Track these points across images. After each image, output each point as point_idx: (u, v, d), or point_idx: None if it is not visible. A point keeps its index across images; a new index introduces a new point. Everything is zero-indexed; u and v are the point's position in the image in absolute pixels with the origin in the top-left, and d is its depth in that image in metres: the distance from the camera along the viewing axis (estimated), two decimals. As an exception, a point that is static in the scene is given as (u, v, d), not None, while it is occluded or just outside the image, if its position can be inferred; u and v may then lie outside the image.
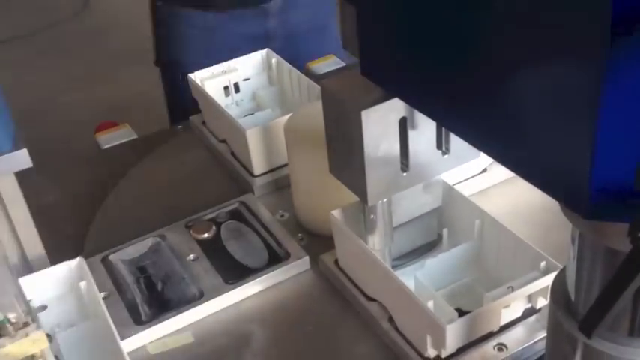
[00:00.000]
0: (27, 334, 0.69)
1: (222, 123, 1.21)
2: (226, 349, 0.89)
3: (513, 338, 0.83)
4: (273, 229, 1.04)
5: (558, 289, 0.62)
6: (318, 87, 1.15)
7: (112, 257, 1.01)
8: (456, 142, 0.81)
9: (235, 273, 0.97)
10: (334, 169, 0.84)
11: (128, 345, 0.88)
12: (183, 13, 1.52)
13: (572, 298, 0.60)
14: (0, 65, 3.25)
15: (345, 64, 1.48)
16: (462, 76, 0.57)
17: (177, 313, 0.92)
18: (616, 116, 0.44)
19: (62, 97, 3.21)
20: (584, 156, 0.46)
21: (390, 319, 0.87)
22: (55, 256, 0.93)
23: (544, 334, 0.81)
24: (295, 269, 0.98)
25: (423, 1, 0.59)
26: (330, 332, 0.90)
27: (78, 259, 0.90)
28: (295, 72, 1.25)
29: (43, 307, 0.88)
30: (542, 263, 0.83)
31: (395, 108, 0.75)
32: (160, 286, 0.97)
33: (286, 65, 1.27)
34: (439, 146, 0.81)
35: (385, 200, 0.84)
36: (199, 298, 0.94)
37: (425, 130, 0.79)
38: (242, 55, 1.30)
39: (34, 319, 0.70)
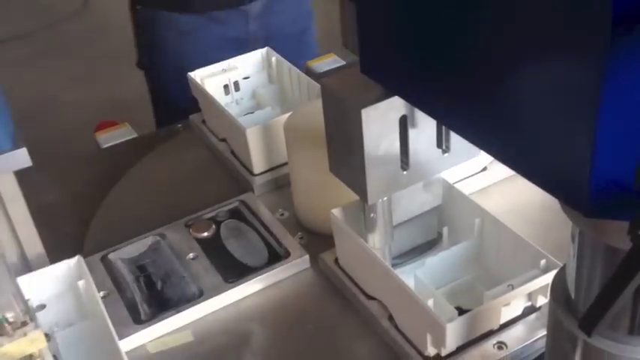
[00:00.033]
0: (25, 334, 0.68)
1: (222, 122, 1.21)
2: (226, 348, 0.89)
3: (513, 337, 0.83)
4: (273, 227, 1.04)
5: (558, 288, 0.62)
6: (318, 85, 1.15)
7: (111, 256, 1.01)
8: (456, 140, 0.81)
9: (235, 272, 0.97)
10: (334, 167, 0.84)
11: (127, 344, 0.88)
12: (163, 17, 1.51)
13: (573, 297, 0.60)
14: (0, 64, 3.25)
15: (344, 63, 1.49)
16: (462, 74, 0.57)
17: (177, 312, 0.92)
18: (616, 114, 0.44)
19: (62, 97, 3.21)
20: (584, 154, 0.46)
21: (390, 318, 0.87)
22: (55, 255, 0.92)
23: (544, 332, 0.81)
24: (295, 268, 0.98)
25: (422, -2, 0.59)
26: (330, 331, 0.90)
27: (76, 257, 0.90)
28: (295, 70, 1.25)
29: (42, 307, 0.88)
30: (543, 261, 0.82)
31: (395, 106, 0.75)
32: (159, 285, 0.97)
33: (286, 64, 1.27)
34: (439, 144, 0.81)
35: (385, 199, 0.84)
36: (199, 297, 0.94)
37: (425, 128, 0.79)
38: (223, 58, 1.30)
39: (32, 319, 0.70)
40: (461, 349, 0.81)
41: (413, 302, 0.80)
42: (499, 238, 0.88)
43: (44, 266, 0.90)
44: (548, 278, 0.76)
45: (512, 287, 0.82)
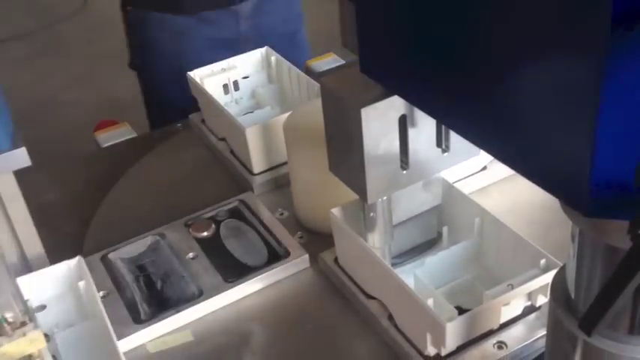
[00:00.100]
0: (24, 334, 0.68)
1: (221, 121, 1.21)
2: (226, 348, 0.89)
3: (513, 336, 0.83)
4: (273, 227, 1.04)
5: (558, 287, 0.62)
6: (317, 85, 1.15)
7: (111, 256, 1.01)
8: (455, 139, 0.81)
9: (235, 271, 0.97)
10: (334, 166, 0.84)
11: (127, 344, 0.88)
12: (153, 18, 1.51)
13: (573, 296, 0.60)
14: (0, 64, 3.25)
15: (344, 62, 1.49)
16: (461, 73, 0.57)
17: (177, 312, 0.91)
18: (616, 113, 0.44)
19: (62, 96, 3.21)
20: (584, 153, 0.46)
21: (390, 318, 0.87)
22: (55, 255, 0.92)
23: (544, 332, 0.80)
24: (295, 267, 0.98)
25: (422, -2, 0.59)
26: (330, 330, 0.90)
27: (77, 258, 0.89)
28: (295, 70, 1.25)
29: (42, 307, 0.88)
30: (542, 261, 0.82)
31: (394, 105, 0.75)
32: (159, 284, 0.96)
33: (286, 63, 1.27)
34: (439, 144, 0.81)
35: (385, 198, 0.84)
36: (199, 296, 0.94)
37: (424, 127, 0.79)
38: (215, 59, 1.30)
39: (32, 319, 0.70)
40: (461, 348, 0.81)
41: (413, 302, 0.80)
42: (499, 237, 0.88)
43: (44, 266, 0.90)
44: (548, 278, 0.76)
45: (512, 287, 0.82)
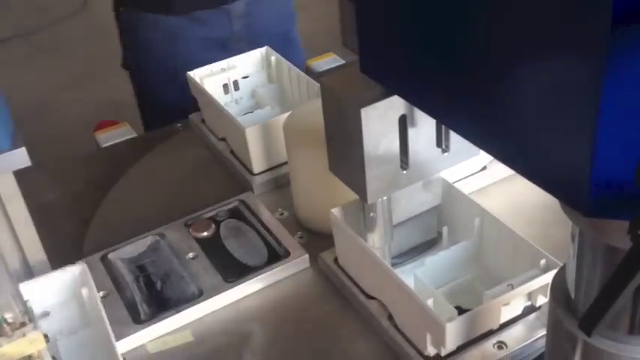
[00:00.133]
0: (24, 335, 0.68)
1: (221, 121, 1.21)
2: (226, 348, 0.89)
3: (513, 336, 0.83)
4: (273, 227, 1.04)
5: (558, 287, 0.62)
6: (317, 85, 1.15)
7: (111, 256, 1.01)
8: (455, 139, 0.81)
9: (235, 271, 0.97)
10: (334, 167, 0.84)
11: (127, 344, 0.88)
12: (145, 19, 1.51)
13: (572, 296, 0.60)
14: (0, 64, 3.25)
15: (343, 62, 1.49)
16: (461, 73, 0.57)
17: (177, 312, 0.91)
18: (616, 113, 0.44)
19: (61, 96, 3.21)
20: (584, 153, 0.46)
21: (390, 318, 0.87)
22: (54, 255, 0.92)
23: (544, 332, 0.80)
24: (295, 267, 0.98)
25: (422, -2, 0.58)
26: (330, 331, 0.90)
27: (80, 264, 0.89)
28: (295, 70, 1.25)
29: (46, 314, 0.87)
30: (542, 261, 0.82)
31: (394, 105, 0.75)
32: (159, 284, 0.96)
33: (286, 63, 1.27)
34: (439, 144, 0.81)
35: (385, 198, 0.84)
36: (199, 296, 0.94)
37: (424, 127, 0.79)
38: (208, 59, 1.29)
39: (31, 320, 0.70)
40: (461, 348, 0.81)
41: (413, 302, 0.80)
42: (499, 237, 0.88)
43: (44, 267, 0.90)
44: (548, 278, 0.76)
45: (512, 287, 0.82)
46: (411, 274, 0.88)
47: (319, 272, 0.98)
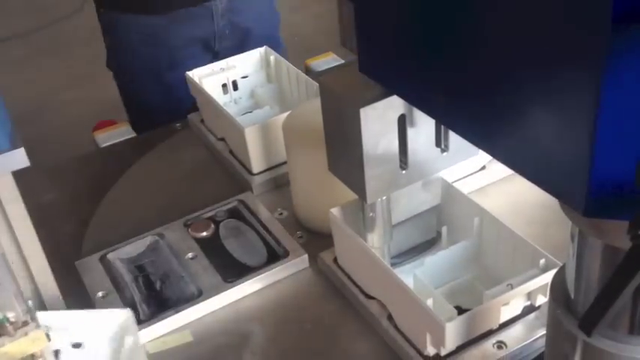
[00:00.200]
0: (26, 334, 0.68)
1: (220, 121, 1.20)
2: (225, 348, 0.89)
3: (513, 336, 0.83)
4: (272, 227, 1.03)
5: (558, 287, 0.62)
6: (316, 84, 1.15)
7: (110, 256, 1.01)
8: (454, 139, 0.81)
9: (234, 271, 0.97)
10: (333, 166, 0.84)
11: (127, 344, 0.88)
12: (126, 20, 1.50)
13: (572, 296, 0.60)
14: (-1, 64, 3.25)
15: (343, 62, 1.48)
16: (461, 74, 0.57)
17: (176, 312, 0.91)
18: (616, 113, 0.44)
19: (61, 96, 3.21)
20: (583, 153, 0.46)
21: (390, 318, 0.86)
22: (54, 255, 0.92)
23: (544, 331, 0.80)
24: (294, 267, 0.98)
25: (421, -3, 0.58)
26: (329, 331, 0.90)
27: (127, 311, 0.86)
28: (294, 69, 1.25)
29: (78, 345, 0.85)
30: (542, 261, 0.82)
31: (393, 105, 0.75)
32: (158, 284, 0.96)
33: (285, 63, 1.27)
34: (438, 144, 0.81)
35: (384, 198, 0.84)
36: (198, 296, 0.93)
37: (424, 127, 0.79)
38: (191, 58, 1.29)
39: (33, 318, 0.70)
40: (460, 348, 0.81)
41: (412, 302, 0.80)
42: (498, 237, 0.88)
43: (42, 262, 0.89)
44: (548, 277, 0.76)
45: (512, 287, 0.82)
46: (410, 274, 0.88)
47: (319, 272, 0.98)
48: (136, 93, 1.58)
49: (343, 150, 0.80)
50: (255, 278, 0.96)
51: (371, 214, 0.85)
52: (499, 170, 1.08)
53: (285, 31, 1.72)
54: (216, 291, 0.94)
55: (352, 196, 0.84)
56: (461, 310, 0.81)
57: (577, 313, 0.59)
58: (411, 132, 0.78)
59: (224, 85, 1.29)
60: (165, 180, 1.21)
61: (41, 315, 0.77)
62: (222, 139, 1.23)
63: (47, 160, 1.41)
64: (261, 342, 0.89)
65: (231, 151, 1.20)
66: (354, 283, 0.92)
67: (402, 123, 0.77)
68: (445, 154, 0.82)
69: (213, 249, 1.01)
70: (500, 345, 0.82)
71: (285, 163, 1.12)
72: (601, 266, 0.56)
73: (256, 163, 1.13)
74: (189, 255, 1.00)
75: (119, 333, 0.81)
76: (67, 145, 1.99)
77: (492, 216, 0.88)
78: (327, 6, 3.44)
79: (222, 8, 1.50)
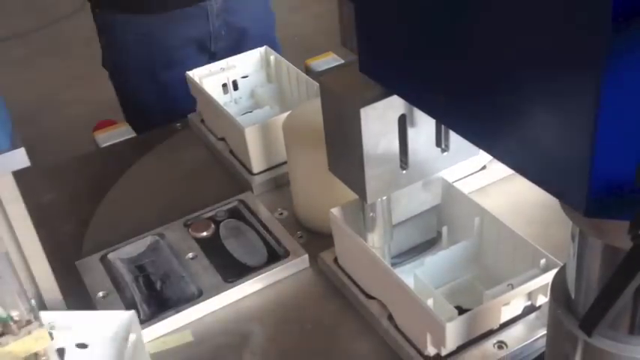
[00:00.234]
0: (29, 332, 0.68)
1: (220, 121, 1.20)
2: (225, 348, 0.89)
3: (513, 336, 0.83)
4: (272, 227, 1.03)
5: (559, 287, 0.62)
6: (316, 84, 1.15)
7: (110, 256, 1.01)
8: (455, 139, 0.81)
9: (234, 271, 0.97)
10: (333, 166, 0.84)
11: (127, 344, 0.88)
12: (121, 20, 1.50)
13: (573, 296, 0.60)
14: (-1, 64, 3.25)
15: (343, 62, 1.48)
16: (461, 74, 0.57)
17: (177, 312, 0.91)
18: (616, 113, 0.44)
19: (61, 96, 3.21)
20: (584, 153, 0.46)
21: (390, 318, 0.86)
22: (54, 255, 0.92)
23: (544, 331, 0.80)
24: (294, 267, 0.98)
25: (421, -3, 0.58)
26: (330, 331, 0.90)
27: (130, 312, 0.86)
28: (294, 69, 1.25)
29: (83, 345, 0.85)
30: (542, 261, 0.82)
31: (394, 105, 0.75)
32: (158, 284, 0.96)
33: (285, 62, 1.27)
34: (438, 143, 0.81)
35: (384, 198, 0.84)
36: (198, 296, 0.93)
37: (424, 127, 0.79)
38: (186, 58, 1.29)
39: (37, 317, 0.70)
40: (461, 348, 0.81)
41: (413, 302, 0.80)
42: (499, 237, 0.88)
43: (43, 265, 0.89)
44: (548, 277, 0.76)
45: (512, 286, 0.82)
46: (410, 274, 0.88)
47: (319, 272, 0.98)
48: (132, 93, 1.58)
49: (343, 150, 0.80)
50: (255, 278, 0.96)
51: (371, 214, 0.85)
52: (499, 170, 1.08)
53: (286, 31, 1.72)
54: (216, 291, 0.94)
55: (352, 196, 0.84)
56: (461, 310, 0.81)
57: (577, 314, 0.59)
58: (411, 132, 0.78)
59: (224, 85, 1.29)
60: (166, 180, 1.21)
61: (46, 315, 0.77)
62: (223, 139, 1.23)
63: (47, 160, 1.42)
64: (261, 342, 0.89)
65: (231, 151, 1.20)
66: (355, 283, 0.92)
67: (403, 123, 0.77)
68: (445, 154, 0.82)
69: (213, 249, 1.01)
70: (501, 345, 0.82)
71: (285, 163, 1.12)
72: (601, 266, 0.56)
73: (256, 163, 1.13)
74: (190, 255, 1.00)
75: (123, 334, 0.82)
76: (67, 145, 1.99)
77: (493, 216, 0.88)
78: (327, 6, 3.44)
79: (217, 8, 1.50)
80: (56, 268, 0.87)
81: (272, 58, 1.29)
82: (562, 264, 0.63)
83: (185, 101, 1.34)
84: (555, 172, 0.50)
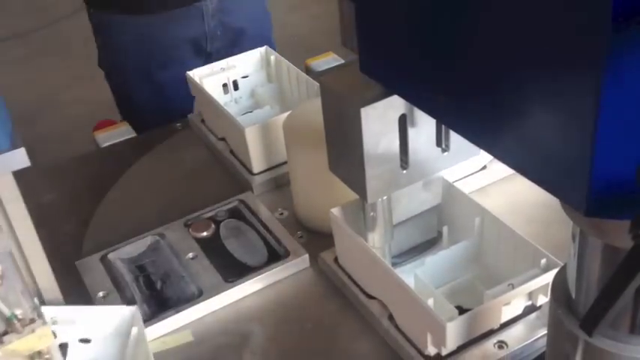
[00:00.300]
0: (33, 330, 0.68)
1: (221, 121, 1.20)
2: (226, 348, 0.89)
3: (514, 336, 0.83)
4: (273, 227, 1.03)
5: (559, 287, 0.62)
6: (317, 84, 1.14)
7: (110, 256, 1.01)
8: (455, 139, 0.81)
9: (234, 271, 0.97)
10: (333, 166, 0.83)
11: (127, 344, 0.88)
12: (116, 20, 1.50)
13: (573, 296, 0.60)
14: (-1, 63, 3.25)
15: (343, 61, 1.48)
16: (461, 74, 0.57)
17: (177, 312, 0.91)
18: (616, 113, 0.44)
19: (61, 96, 3.21)
20: (584, 153, 0.46)
21: (390, 317, 0.86)
22: (54, 255, 0.92)
23: (545, 331, 0.80)
24: (295, 267, 0.98)
25: (422, -3, 0.58)
26: (330, 330, 0.90)
27: (132, 308, 0.86)
28: (294, 69, 1.25)
29: (87, 340, 0.85)
30: (543, 260, 0.82)
31: (394, 105, 0.75)
32: (159, 284, 0.96)
33: (285, 62, 1.27)
34: (439, 143, 0.81)
35: (385, 198, 0.84)
36: (198, 296, 0.93)
37: (424, 127, 0.79)
38: (182, 58, 1.29)
39: (40, 315, 0.70)
40: (461, 348, 0.81)
41: (413, 301, 0.80)
42: (499, 236, 0.88)
43: (42, 265, 0.89)
44: (549, 277, 0.76)
45: (513, 286, 0.82)
46: (411, 274, 0.88)
47: (319, 272, 0.98)
48: (128, 93, 1.58)
49: (344, 150, 0.80)
50: (255, 278, 0.96)
51: (372, 214, 0.85)
52: (500, 170, 1.08)
53: (286, 31, 1.72)
54: (216, 291, 0.94)
55: (353, 195, 0.84)
56: (462, 310, 0.81)
57: (578, 313, 0.59)
58: (411, 132, 0.78)
59: (224, 85, 1.29)
60: (166, 180, 1.21)
61: (49, 310, 0.77)
62: (223, 139, 1.23)
63: (47, 160, 1.42)
64: (261, 342, 0.89)
65: (231, 151, 1.20)
66: (355, 283, 0.92)
67: (403, 123, 0.77)
68: (446, 153, 0.82)
69: (213, 249, 1.01)
70: (501, 345, 0.82)
71: (285, 162, 1.12)
72: (602, 266, 0.56)
73: (257, 163, 1.13)
74: (190, 255, 1.00)
75: (126, 329, 0.82)
76: (67, 145, 1.99)
77: (493, 216, 0.88)
78: (327, 6, 3.44)
79: (212, 8, 1.50)
80: (56, 268, 0.87)
81: (272, 58, 1.29)
82: (562, 264, 0.63)
83: (180, 101, 1.33)
84: (556, 172, 0.50)
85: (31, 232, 0.86)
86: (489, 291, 0.81)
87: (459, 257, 0.90)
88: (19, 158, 0.77)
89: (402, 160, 0.79)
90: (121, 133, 1.35)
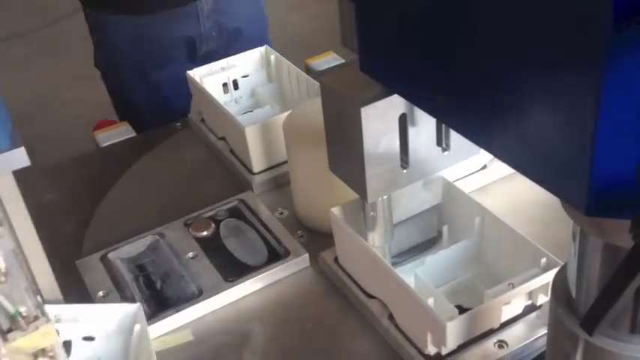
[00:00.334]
0: (37, 328, 0.68)
1: (221, 120, 1.20)
2: (226, 347, 0.89)
3: (514, 335, 0.83)
4: (273, 226, 1.03)
5: (559, 286, 0.62)
6: (317, 84, 1.14)
7: (110, 255, 1.01)
8: (455, 138, 0.81)
9: (235, 271, 0.97)
10: (334, 166, 0.83)
11: (127, 344, 0.88)
12: (112, 20, 1.50)
13: (574, 296, 0.60)
14: (-1, 63, 3.25)
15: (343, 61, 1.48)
16: (462, 73, 0.57)
17: (177, 312, 0.91)
18: (617, 113, 0.44)
19: (61, 95, 3.20)
20: (584, 152, 0.46)
21: (390, 317, 0.86)
22: (54, 255, 0.92)
23: (545, 331, 0.80)
24: (295, 267, 0.98)
25: (422, -4, 0.58)
26: (330, 330, 0.90)
27: (136, 305, 0.87)
28: (294, 69, 1.25)
29: (90, 338, 0.86)
30: (543, 260, 0.82)
31: (394, 104, 0.75)
32: (159, 284, 0.96)
33: (285, 62, 1.27)
34: (439, 143, 0.81)
35: (385, 197, 0.84)
36: (198, 296, 0.93)
37: (425, 126, 0.79)
38: (178, 59, 1.29)
39: (43, 313, 0.70)
40: (461, 347, 0.81)
41: (413, 301, 0.79)
42: (499, 236, 0.88)
43: (43, 265, 0.89)
44: (549, 277, 0.76)
45: (513, 286, 0.82)
46: (411, 273, 0.88)
47: (319, 271, 0.98)
48: (124, 93, 1.58)
49: (344, 149, 0.80)
50: (255, 278, 0.96)
51: (372, 214, 0.85)
52: (500, 169, 1.08)
53: (286, 31, 1.72)
54: (216, 290, 0.94)
55: (353, 195, 0.84)
56: (462, 310, 0.81)
57: (578, 313, 0.59)
58: (411, 131, 0.78)
59: (224, 85, 1.29)
60: (166, 179, 1.21)
61: (52, 308, 0.77)
62: (223, 139, 1.23)
63: (47, 160, 1.42)
64: (261, 341, 0.89)
65: (231, 151, 1.20)
66: (355, 283, 0.92)
67: (403, 122, 0.77)
68: (446, 153, 0.82)
69: (213, 248, 1.01)
70: (502, 344, 0.82)
71: (285, 162, 1.12)
72: (602, 265, 0.56)
73: (257, 163, 1.13)
74: (190, 254, 1.00)
75: (129, 327, 0.82)
76: (67, 145, 1.99)
77: (493, 215, 0.88)
78: (327, 5, 3.44)
79: (207, 9, 1.50)
80: (56, 267, 0.87)
81: (272, 57, 1.29)
82: (563, 263, 0.63)
83: (176, 101, 1.33)
84: (556, 171, 0.50)
85: (31, 232, 0.86)
86: (489, 290, 0.81)
87: (459, 257, 0.90)
88: (19, 158, 0.77)
89: (402, 159, 0.79)
90: (121, 132, 1.35)
